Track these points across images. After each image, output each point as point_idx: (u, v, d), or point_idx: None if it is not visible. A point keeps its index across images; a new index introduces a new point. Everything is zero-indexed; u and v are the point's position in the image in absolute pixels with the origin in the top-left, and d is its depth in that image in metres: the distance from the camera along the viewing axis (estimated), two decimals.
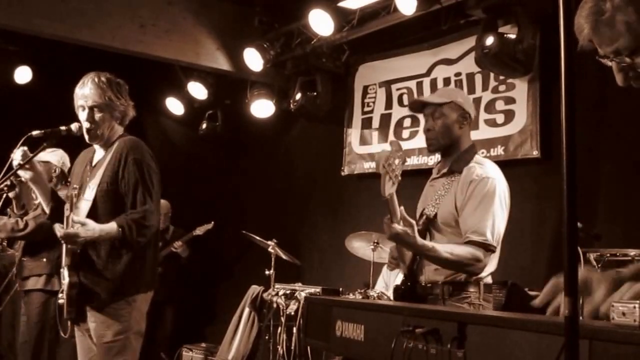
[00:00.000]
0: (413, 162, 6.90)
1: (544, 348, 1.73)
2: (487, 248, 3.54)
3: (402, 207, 3.45)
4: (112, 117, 4.00)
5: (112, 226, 3.73)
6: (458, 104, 3.82)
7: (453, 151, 3.84)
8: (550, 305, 1.88)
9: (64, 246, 3.82)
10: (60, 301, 3.86)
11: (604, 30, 1.88)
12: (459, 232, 3.66)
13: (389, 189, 3.40)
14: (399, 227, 3.41)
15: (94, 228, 3.71)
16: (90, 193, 3.87)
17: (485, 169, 3.72)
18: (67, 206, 3.79)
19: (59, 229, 3.71)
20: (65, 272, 3.81)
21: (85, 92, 3.93)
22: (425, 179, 4.11)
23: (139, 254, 3.91)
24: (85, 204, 3.85)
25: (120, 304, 3.84)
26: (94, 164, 4.05)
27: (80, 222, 3.69)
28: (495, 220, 3.59)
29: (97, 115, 3.94)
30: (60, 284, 3.96)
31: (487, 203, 3.59)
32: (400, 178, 3.45)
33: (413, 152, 6.90)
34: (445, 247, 3.55)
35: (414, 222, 3.49)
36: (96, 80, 3.94)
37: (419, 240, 3.48)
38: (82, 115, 3.95)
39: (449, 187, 3.75)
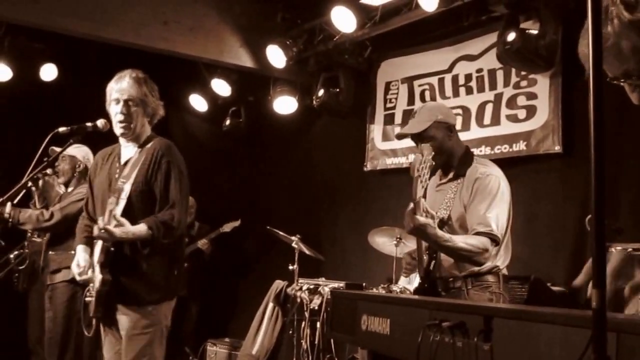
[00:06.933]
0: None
1: (571, 341, 1.75)
2: (493, 239, 3.75)
3: (424, 199, 3.63)
4: (144, 113, 4.07)
5: (142, 227, 3.78)
6: (439, 121, 4.05)
7: (452, 160, 4.09)
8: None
9: (99, 243, 3.87)
10: (88, 299, 3.91)
11: (610, 58, 1.85)
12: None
13: (420, 192, 3.59)
14: (422, 218, 3.58)
15: (129, 230, 3.76)
16: (123, 192, 3.89)
17: (488, 168, 4.00)
18: (111, 200, 3.82)
19: (100, 223, 3.74)
20: (97, 269, 3.84)
21: (122, 86, 4.01)
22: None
23: (176, 257, 4.02)
24: (120, 203, 3.87)
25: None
26: (123, 161, 4.08)
27: (120, 221, 3.74)
28: (499, 214, 3.81)
29: (133, 109, 4.00)
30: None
31: (491, 198, 3.83)
32: (428, 181, 3.68)
33: None
34: (460, 238, 3.77)
35: (434, 213, 3.71)
36: (133, 75, 4.05)
37: (439, 231, 3.68)
38: (116, 108, 4.00)
39: (456, 190, 3.98)
